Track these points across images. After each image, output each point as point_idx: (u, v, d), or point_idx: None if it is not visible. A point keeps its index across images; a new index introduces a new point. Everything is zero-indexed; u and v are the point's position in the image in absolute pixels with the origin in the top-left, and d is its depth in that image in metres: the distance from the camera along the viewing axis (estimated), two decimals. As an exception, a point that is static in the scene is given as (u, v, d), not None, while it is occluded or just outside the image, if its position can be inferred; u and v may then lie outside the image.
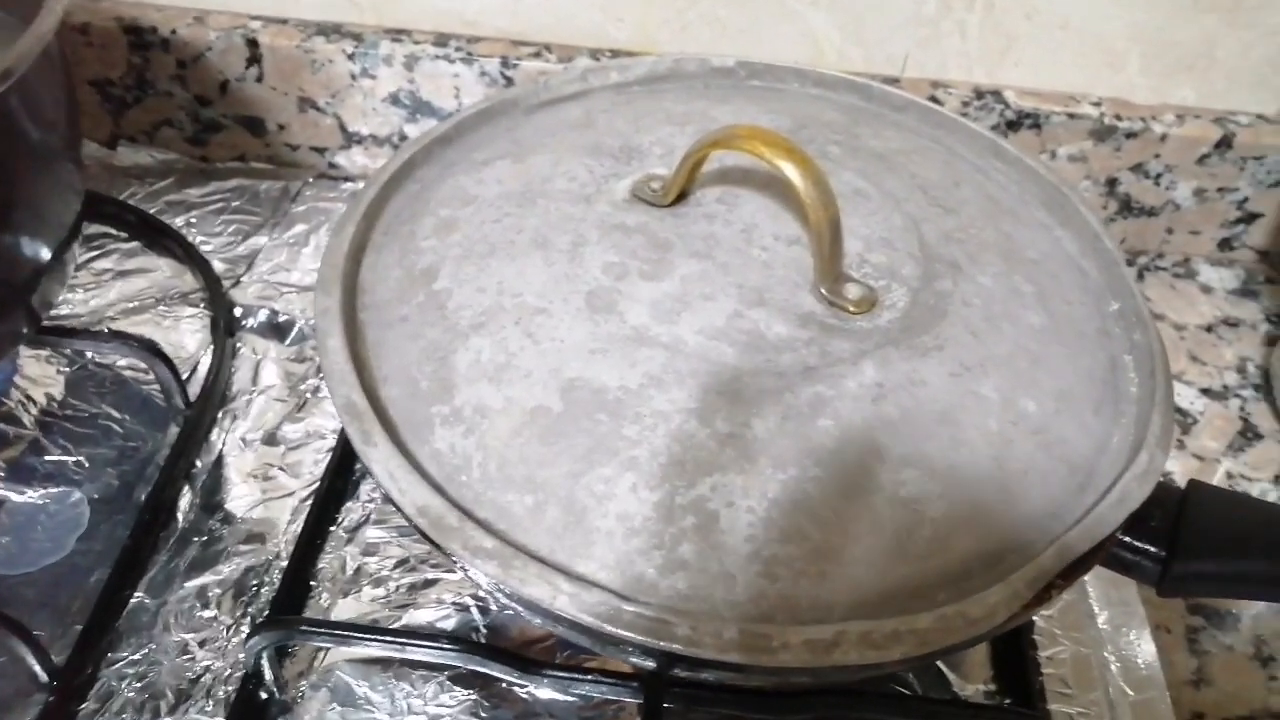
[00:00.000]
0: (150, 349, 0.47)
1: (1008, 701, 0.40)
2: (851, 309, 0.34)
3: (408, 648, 0.38)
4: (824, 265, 0.34)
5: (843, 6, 0.56)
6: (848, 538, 0.29)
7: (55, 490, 0.46)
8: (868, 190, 0.39)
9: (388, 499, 0.32)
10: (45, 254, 0.44)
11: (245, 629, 0.41)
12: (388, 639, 0.38)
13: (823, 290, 0.34)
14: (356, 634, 0.38)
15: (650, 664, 0.32)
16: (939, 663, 0.41)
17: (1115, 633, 0.43)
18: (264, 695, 0.39)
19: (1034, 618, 0.42)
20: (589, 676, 0.37)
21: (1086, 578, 0.41)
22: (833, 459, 0.30)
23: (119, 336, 0.48)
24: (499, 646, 0.38)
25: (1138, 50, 0.56)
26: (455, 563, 0.31)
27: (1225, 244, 0.62)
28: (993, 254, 0.37)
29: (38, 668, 0.38)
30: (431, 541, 0.30)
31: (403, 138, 0.62)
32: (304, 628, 0.38)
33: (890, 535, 0.29)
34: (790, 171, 0.32)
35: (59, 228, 0.45)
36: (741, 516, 0.29)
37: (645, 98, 0.45)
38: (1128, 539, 0.32)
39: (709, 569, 0.29)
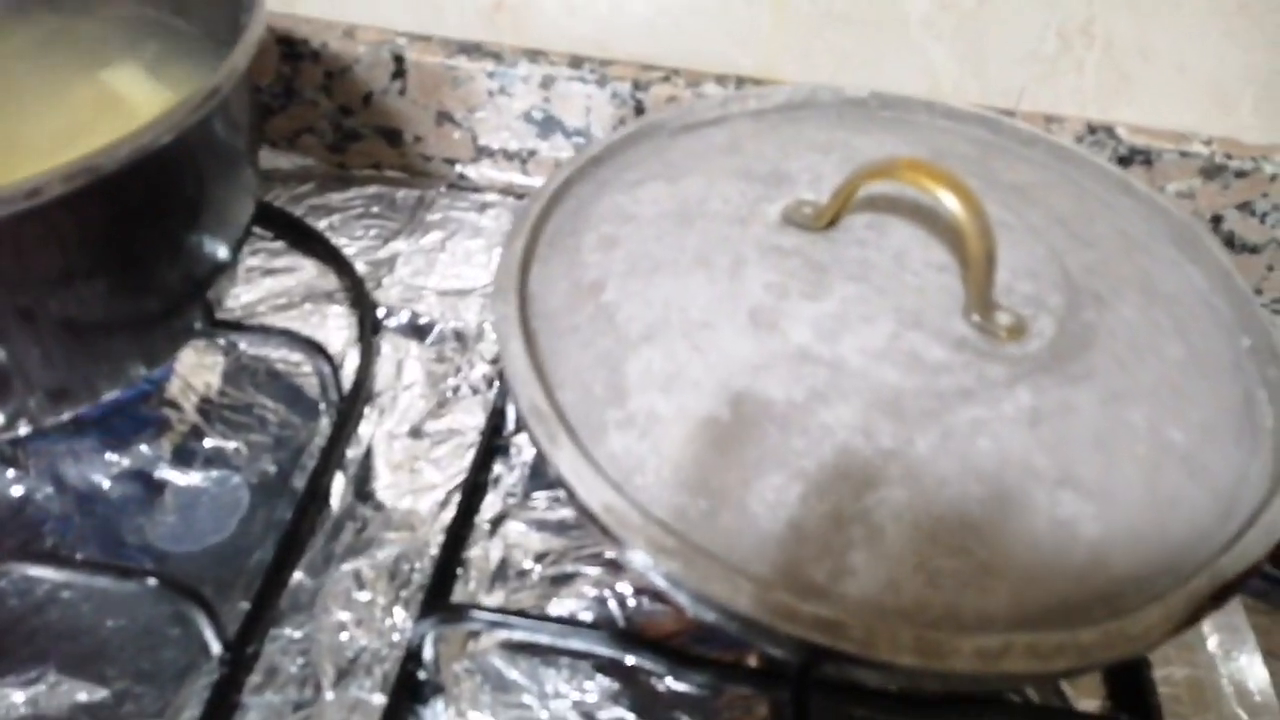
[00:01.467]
0: (312, 345, 0.50)
1: (1124, 717, 0.42)
2: (1003, 335, 0.36)
3: (564, 635, 0.40)
4: (978, 292, 0.36)
5: (964, 40, 0.57)
6: (1008, 554, 0.31)
7: (216, 474, 0.50)
8: (1011, 222, 0.41)
9: (570, 498, 0.34)
10: (224, 253, 0.47)
11: (399, 611, 0.44)
12: (547, 626, 0.40)
13: (975, 316, 0.36)
14: (521, 620, 0.41)
15: (797, 660, 0.34)
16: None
17: (1226, 657, 0.44)
18: (422, 675, 0.42)
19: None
20: (735, 673, 0.39)
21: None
22: (992, 479, 0.32)
23: (286, 333, 0.51)
24: (653, 640, 0.40)
25: (1251, 92, 0.58)
26: (629, 560, 0.33)
27: (1329, 283, 0.63)
28: (1131, 287, 0.39)
29: (212, 639, 0.41)
30: (612, 537, 0.32)
31: (532, 154, 0.65)
32: (470, 612, 0.41)
33: (1049, 553, 0.31)
34: (952, 203, 0.34)
35: (237, 228, 0.48)
36: (906, 530, 0.31)
37: (785, 125, 0.47)
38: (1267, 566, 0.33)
39: (876, 577, 0.31)
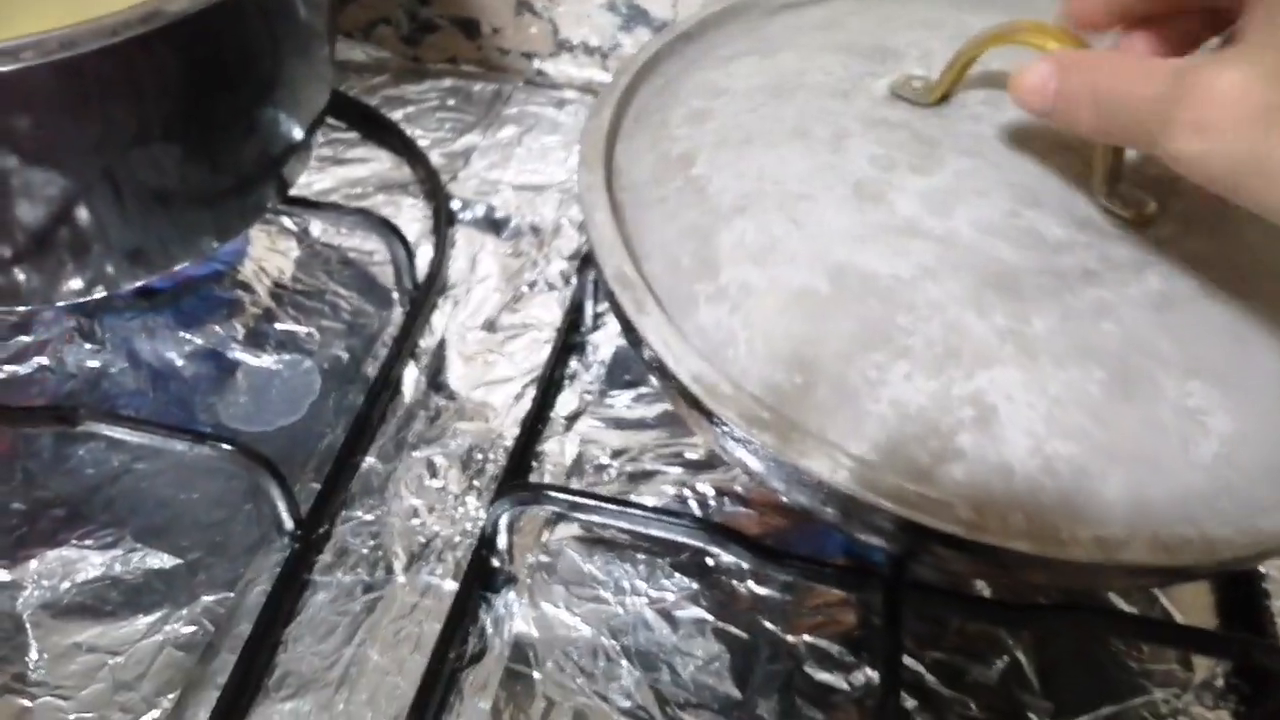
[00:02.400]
0: (389, 228, 0.49)
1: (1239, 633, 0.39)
2: (1131, 217, 0.33)
3: (650, 522, 0.38)
4: (1105, 169, 0.33)
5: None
6: (1131, 441, 0.28)
7: (288, 357, 0.49)
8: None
9: (657, 368, 0.32)
10: (298, 133, 0.45)
11: (472, 500, 0.43)
12: (632, 512, 0.39)
13: (1102, 197, 0.33)
14: (603, 503, 0.39)
15: (894, 550, 0.32)
16: (1162, 598, 0.40)
17: (1346, 591, 0.41)
18: (495, 563, 0.41)
19: (1264, 568, 0.41)
20: (828, 570, 0.37)
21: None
22: (1116, 362, 0.29)
23: (361, 213, 0.50)
24: (741, 532, 0.38)
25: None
26: (722, 434, 0.31)
27: None
28: None
29: (285, 514, 0.41)
30: (703, 411, 0.30)
31: (615, 48, 0.62)
32: (550, 492, 0.39)
33: (1175, 443, 0.28)
34: None
35: (311, 110, 0.46)
36: (1021, 411, 0.29)
37: (890, 4, 0.44)
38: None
39: (986, 460, 0.28)
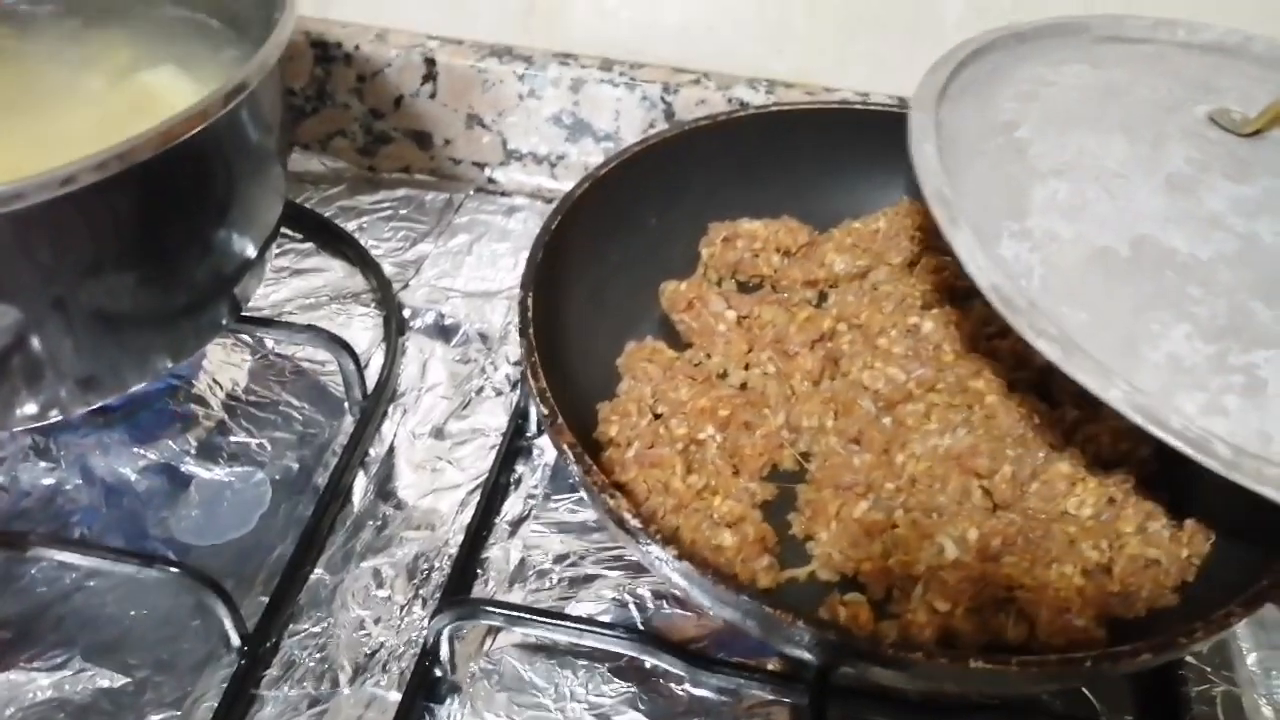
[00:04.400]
0: (338, 343, 0.50)
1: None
2: None
3: (585, 634, 0.40)
4: None
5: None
6: None
7: (240, 469, 0.50)
8: None
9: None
10: (252, 250, 0.47)
11: (418, 609, 0.44)
12: (567, 624, 0.40)
13: None
14: (539, 618, 0.41)
15: (816, 661, 0.34)
16: (1085, 691, 0.42)
17: (1265, 675, 0.43)
18: (438, 673, 0.41)
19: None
20: (756, 676, 0.38)
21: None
22: None
23: (312, 329, 0.52)
24: (671, 640, 0.40)
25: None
26: (646, 552, 0.33)
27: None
28: None
29: (231, 630, 0.41)
30: (627, 530, 0.32)
31: (560, 157, 0.65)
32: (488, 607, 0.40)
33: None
34: None
35: (265, 227, 0.48)
36: None
37: (1216, 55, 0.48)
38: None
39: (1248, 423, 0.32)
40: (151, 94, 0.49)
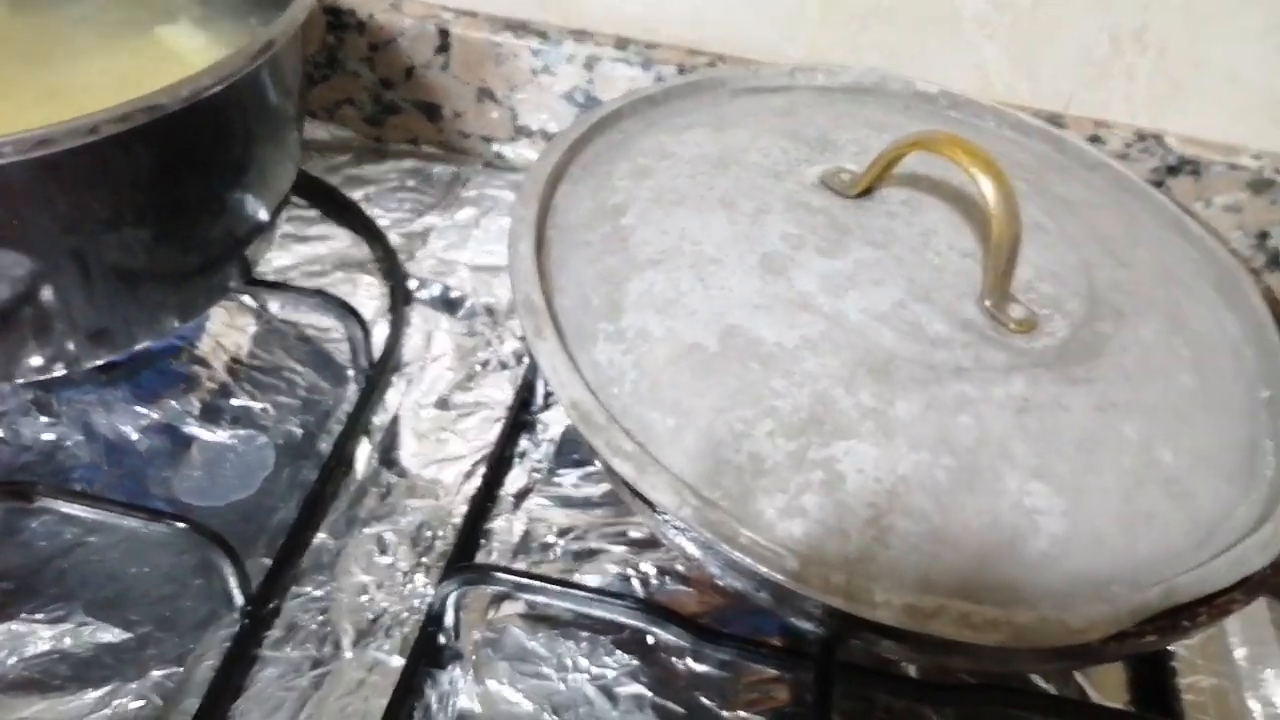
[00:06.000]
0: (346, 308, 0.50)
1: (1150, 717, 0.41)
2: (1012, 327, 0.35)
3: (594, 603, 0.40)
4: (995, 279, 0.35)
5: (1017, 41, 0.57)
6: (965, 527, 0.31)
7: (243, 432, 0.50)
8: (1048, 226, 0.40)
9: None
10: (265, 214, 0.47)
11: (420, 577, 0.44)
12: (577, 592, 0.40)
13: (988, 303, 0.36)
14: (549, 585, 0.41)
15: (822, 634, 0.34)
16: (1079, 677, 0.42)
17: (1253, 669, 0.44)
18: (442, 640, 0.42)
19: (1174, 646, 0.43)
20: (762, 650, 0.39)
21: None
22: (966, 454, 0.32)
23: (320, 294, 0.52)
24: (678, 611, 0.40)
25: (1303, 107, 0.57)
26: (663, 521, 0.33)
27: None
28: (1157, 313, 0.38)
29: (237, 590, 0.42)
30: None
31: (567, 133, 0.65)
32: (498, 573, 0.41)
33: (1006, 537, 0.31)
34: (984, 183, 0.34)
35: (279, 191, 0.48)
36: (868, 484, 0.31)
37: (846, 103, 0.48)
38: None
39: (826, 522, 0.31)
40: (167, 49, 0.49)
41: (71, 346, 0.42)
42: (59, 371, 0.43)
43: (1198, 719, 0.41)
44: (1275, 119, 0.58)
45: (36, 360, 0.42)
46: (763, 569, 0.29)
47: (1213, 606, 0.31)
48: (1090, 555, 0.31)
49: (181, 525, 0.41)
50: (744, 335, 0.34)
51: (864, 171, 0.39)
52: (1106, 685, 0.43)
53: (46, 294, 0.40)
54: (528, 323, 0.35)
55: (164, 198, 0.40)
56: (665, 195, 0.40)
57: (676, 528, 0.31)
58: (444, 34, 0.62)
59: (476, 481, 0.48)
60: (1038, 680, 0.42)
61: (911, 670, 0.41)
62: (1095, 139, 0.58)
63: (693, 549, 0.33)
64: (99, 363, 0.45)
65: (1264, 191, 0.58)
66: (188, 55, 0.48)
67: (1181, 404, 0.35)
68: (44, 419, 0.49)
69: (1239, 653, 0.44)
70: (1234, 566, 0.31)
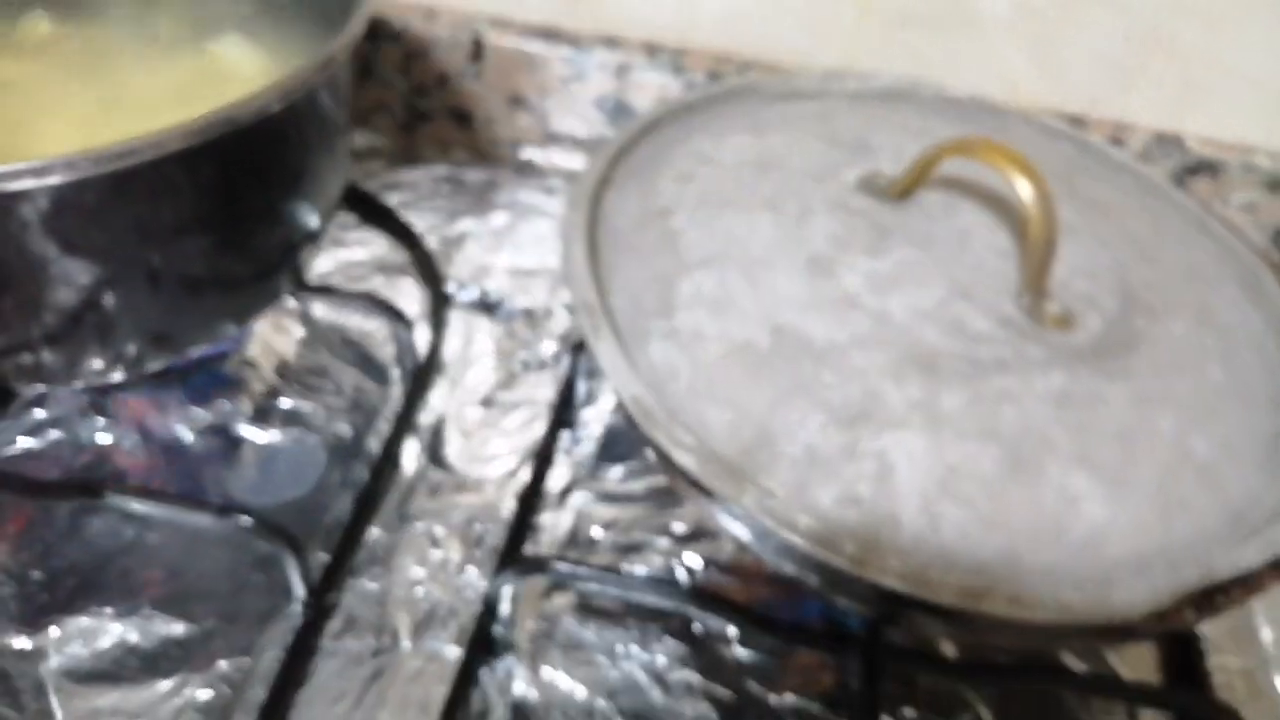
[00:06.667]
0: (392, 311, 0.52)
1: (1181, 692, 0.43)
2: (1049, 322, 0.37)
3: (648, 592, 0.42)
4: (1032, 277, 0.37)
5: (1040, 45, 0.59)
6: (1011, 514, 0.32)
7: (294, 432, 0.51)
8: (1079, 227, 0.42)
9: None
10: (317, 222, 0.49)
11: (471, 570, 0.46)
12: (627, 580, 0.42)
13: (1026, 300, 0.37)
14: (599, 574, 0.43)
15: (870, 616, 0.35)
16: (1112, 657, 0.44)
17: (1279, 652, 0.45)
18: (498, 630, 0.43)
19: (1203, 629, 0.45)
20: (809, 634, 0.40)
21: (1251, 598, 0.44)
22: (1010, 444, 0.33)
23: (367, 297, 0.53)
24: (732, 601, 0.41)
25: (1316, 107, 0.59)
26: (711, 503, 0.34)
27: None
28: (1186, 309, 0.40)
29: (299, 582, 0.43)
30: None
31: (601, 141, 0.66)
32: (554, 563, 0.42)
33: (1050, 521, 0.32)
34: (1022, 185, 0.36)
35: (331, 199, 0.50)
36: (918, 473, 0.33)
37: (880, 108, 0.49)
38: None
39: (879, 510, 0.32)
40: (220, 62, 0.50)
41: (133, 350, 0.44)
42: (119, 375, 0.45)
43: (1225, 697, 0.43)
44: (1290, 118, 0.59)
45: (98, 364, 0.44)
46: (822, 553, 0.31)
47: (1245, 586, 0.32)
48: (1129, 540, 0.32)
49: (246, 520, 0.43)
50: (794, 333, 0.36)
51: (902, 175, 0.41)
52: (1139, 665, 0.44)
53: (111, 300, 0.41)
54: (586, 323, 0.37)
55: (226, 208, 0.42)
56: (710, 199, 0.42)
57: (735, 516, 0.33)
58: (477, 43, 0.64)
59: (521, 478, 0.49)
60: (1071, 661, 0.43)
61: (951, 653, 0.43)
62: (1116, 141, 0.59)
63: (749, 537, 0.34)
64: (158, 367, 0.46)
65: (1279, 190, 0.60)
66: (239, 68, 0.50)
67: (1212, 396, 0.37)
68: (101, 420, 0.50)
69: (1265, 635, 0.46)
70: (1264, 548, 0.33)
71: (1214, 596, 0.32)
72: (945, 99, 0.50)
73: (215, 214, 0.41)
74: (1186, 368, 0.37)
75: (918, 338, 0.36)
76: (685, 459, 0.33)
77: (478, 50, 0.64)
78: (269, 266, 0.47)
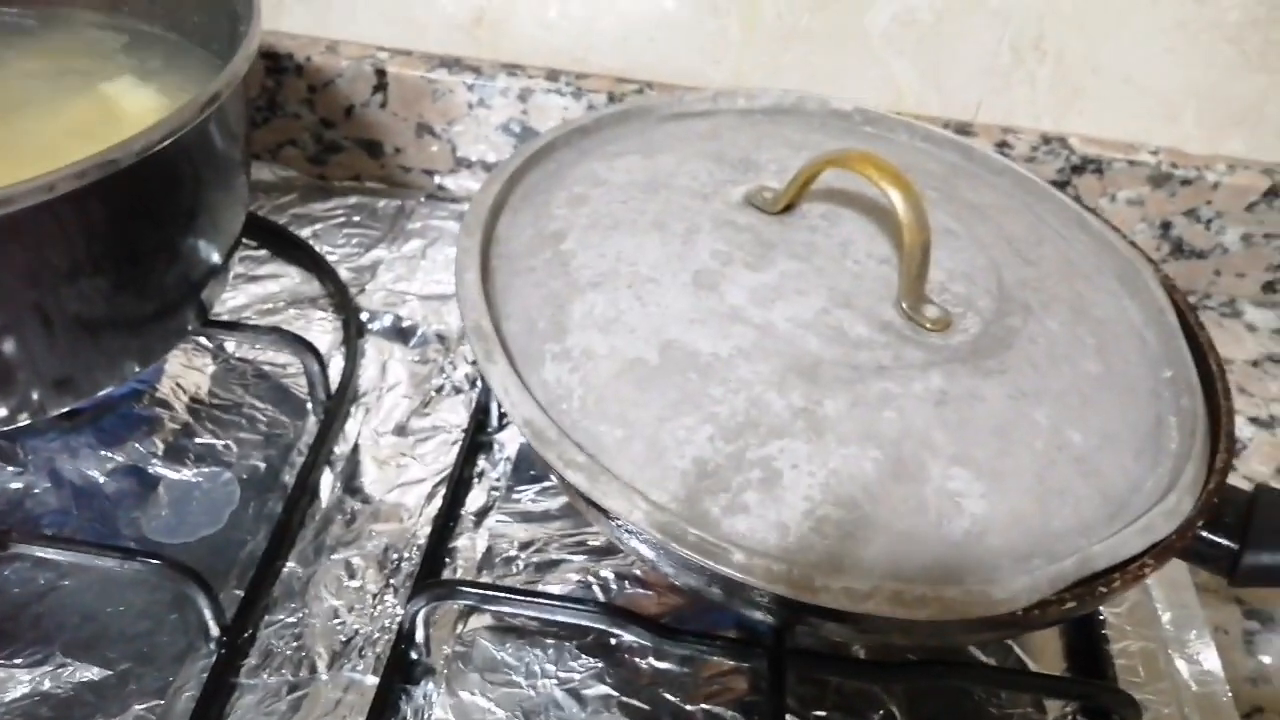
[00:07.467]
0: (303, 344, 0.52)
1: (1082, 679, 0.45)
2: (928, 326, 0.38)
3: (558, 610, 0.42)
4: (909, 283, 0.38)
5: (924, 56, 0.61)
6: (894, 514, 0.33)
7: (208, 469, 0.51)
8: (958, 231, 0.44)
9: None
10: (218, 257, 0.49)
11: (389, 598, 0.46)
12: (542, 601, 0.43)
13: (904, 305, 0.39)
14: (515, 595, 0.43)
15: (774, 624, 0.36)
16: (1018, 649, 0.45)
17: (1178, 632, 0.47)
18: (414, 656, 0.43)
19: (1104, 614, 0.46)
20: (718, 643, 0.41)
21: (1149, 581, 0.46)
22: (891, 445, 0.34)
23: (277, 331, 0.53)
24: (638, 613, 0.42)
25: (1193, 105, 0.61)
26: (616, 526, 0.35)
27: (1269, 286, 0.67)
28: (1063, 306, 0.41)
29: (212, 621, 0.43)
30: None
31: (508, 163, 0.67)
32: (464, 588, 0.43)
33: (932, 519, 0.33)
34: (894, 195, 0.37)
35: (230, 234, 0.50)
36: (803, 479, 0.34)
37: (767, 124, 0.50)
38: (1205, 534, 0.36)
39: (767, 517, 0.33)
40: (113, 104, 0.50)
41: (36, 396, 0.44)
42: (24, 421, 0.45)
43: (1129, 680, 0.44)
44: (1169, 116, 0.62)
45: (1, 411, 0.44)
46: (711, 564, 0.32)
47: (1126, 573, 0.34)
48: (1010, 532, 0.34)
49: (154, 562, 0.42)
50: (681, 348, 0.37)
51: (784, 189, 0.42)
52: (1044, 655, 0.46)
53: (9, 346, 0.41)
54: (478, 348, 0.38)
55: (120, 248, 0.42)
56: (601, 220, 0.43)
57: (630, 531, 0.34)
58: (380, 73, 0.64)
59: (438, 503, 0.50)
60: (978, 654, 0.45)
61: (860, 653, 0.44)
62: (1003, 144, 0.62)
63: (646, 551, 0.35)
64: (63, 410, 0.46)
65: (1163, 185, 0.62)
66: (131, 108, 0.50)
67: (1088, 389, 0.38)
68: (10, 468, 0.50)
69: (1165, 617, 0.47)
70: (1143, 535, 0.34)
71: (1095, 585, 0.33)
72: (831, 111, 0.52)
73: (109, 255, 0.41)
74: (1062, 361, 0.39)
75: (800, 347, 0.37)
76: (577, 478, 0.34)
77: (381, 81, 0.65)
78: (170, 305, 0.47)
